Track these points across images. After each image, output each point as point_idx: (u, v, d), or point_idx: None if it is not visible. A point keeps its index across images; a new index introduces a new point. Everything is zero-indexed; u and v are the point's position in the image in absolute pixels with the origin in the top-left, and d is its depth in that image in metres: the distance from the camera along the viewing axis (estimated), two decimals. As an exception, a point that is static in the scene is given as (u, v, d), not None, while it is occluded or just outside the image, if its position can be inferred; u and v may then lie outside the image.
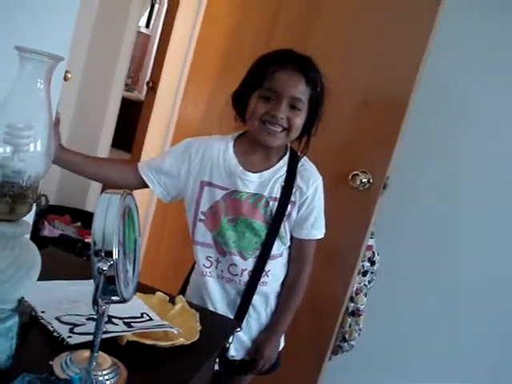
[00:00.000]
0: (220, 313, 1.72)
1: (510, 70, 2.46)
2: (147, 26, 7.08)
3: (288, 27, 2.43)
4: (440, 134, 2.54)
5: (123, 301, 1.00)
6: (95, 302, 0.97)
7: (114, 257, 0.94)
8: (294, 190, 1.71)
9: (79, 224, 3.13)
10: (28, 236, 1.11)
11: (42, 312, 1.23)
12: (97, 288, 0.95)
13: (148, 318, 1.31)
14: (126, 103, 3.81)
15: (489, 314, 2.59)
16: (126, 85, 5.78)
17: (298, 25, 2.42)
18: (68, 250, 2.64)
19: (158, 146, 3.12)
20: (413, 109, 2.19)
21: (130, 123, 4.01)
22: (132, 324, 1.25)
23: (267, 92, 1.62)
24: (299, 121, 1.64)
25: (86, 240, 2.91)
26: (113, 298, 0.98)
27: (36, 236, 2.72)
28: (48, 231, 2.88)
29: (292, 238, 1.77)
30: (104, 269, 0.92)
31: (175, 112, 2.90)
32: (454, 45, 2.42)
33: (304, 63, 1.65)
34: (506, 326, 2.61)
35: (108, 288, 0.96)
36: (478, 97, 2.47)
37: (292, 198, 1.71)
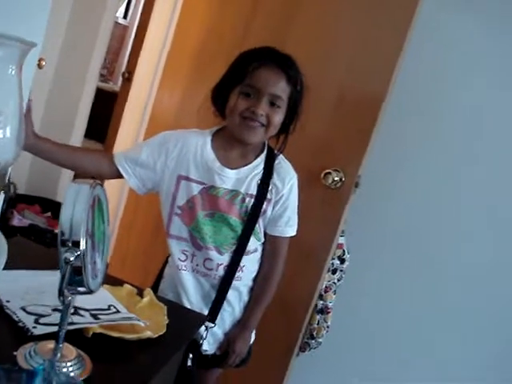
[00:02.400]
0: (195, 307, 1.74)
1: (486, 66, 2.48)
2: (125, 16, 7.02)
3: (266, 20, 2.43)
4: (413, 132, 2.54)
5: (90, 292, 0.99)
6: (61, 293, 0.96)
7: (81, 247, 0.93)
8: (270, 187, 1.72)
9: (49, 214, 3.09)
10: (-5, 224, 1.10)
11: (7, 301, 1.21)
12: (63, 278, 0.94)
13: (115, 310, 1.30)
14: (101, 94, 3.78)
15: (461, 311, 2.61)
16: (102, 75, 5.73)
17: (275, 19, 2.42)
18: (37, 240, 2.62)
19: (131, 137, 3.10)
20: (387, 107, 2.20)
21: (105, 114, 3.97)
22: (99, 316, 1.24)
23: (248, 88, 1.62)
24: (278, 118, 1.65)
25: (56, 231, 2.88)
26: (79, 288, 0.97)
27: (5, 225, 2.68)
28: (17, 221, 2.84)
29: (266, 234, 1.78)
30: (71, 259, 0.91)
31: (150, 103, 2.88)
32: (430, 43, 2.43)
33: (285, 62, 1.65)
34: (478, 322, 2.63)
35: (75, 279, 0.95)
36: (453, 95, 2.48)
37: (268, 196, 1.72)
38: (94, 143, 4.46)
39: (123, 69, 5.62)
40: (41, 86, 2.94)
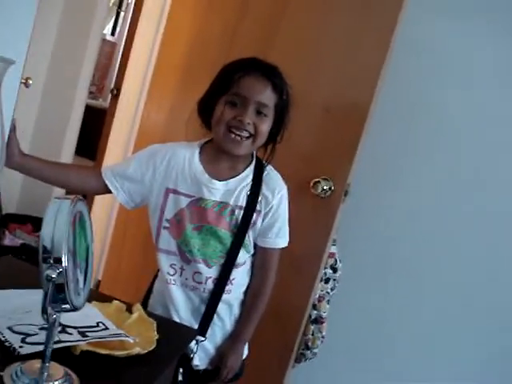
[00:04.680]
0: (184, 321, 1.72)
1: (472, 72, 2.49)
2: (113, 33, 7.02)
3: (250, 35, 2.43)
4: (401, 139, 2.56)
5: (74, 309, 0.98)
6: (44, 311, 0.95)
7: (63, 264, 0.92)
8: (259, 198, 1.71)
9: (41, 233, 3.08)
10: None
11: (-6, 322, 1.20)
12: (45, 296, 0.93)
13: (104, 327, 1.29)
14: (90, 111, 3.77)
15: (454, 315, 2.61)
16: (91, 92, 5.72)
17: (260, 32, 2.42)
18: (29, 259, 2.60)
19: (119, 153, 3.10)
20: (375, 114, 2.21)
21: (95, 131, 3.97)
22: (87, 333, 1.22)
23: (234, 97, 1.62)
24: (265, 127, 1.64)
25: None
26: (63, 306, 0.96)
27: (-4, 245, 2.67)
28: (9, 240, 2.83)
29: (256, 246, 1.77)
30: (53, 276, 0.90)
31: (137, 119, 2.88)
32: (415, 50, 2.45)
33: (270, 71, 1.65)
34: (474, 326, 2.63)
35: (58, 296, 0.94)
36: (442, 100, 2.49)
37: (257, 207, 1.71)
38: (85, 160, 4.45)
39: (112, 85, 5.62)
40: (29, 105, 2.94)
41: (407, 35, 2.24)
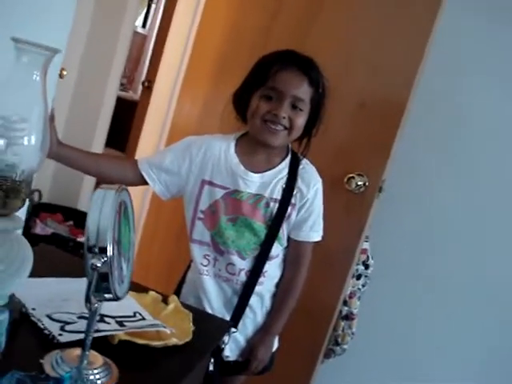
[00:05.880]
0: (216, 312, 1.73)
1: (509, 74, 2.46)
2: (143, 25, 7.05)
3: (286, 28, 2.43)
4: (437, 137, 2.53)
5: (116, 299, 0.98)
6: (88, 299, 0.95)
7: (108, 253, 0.92)
8: (294, 191, 1.70)
9: (71, 223, 3.10)
10: (20, 231, 1.09)
11: (33, 309, 1.21)
12: (90, 285, 0.93)
13: (141, 317, 1.29)
14: (121, 103, 3.80)
15: (484, 317, 2.58)
16: (122, 84, 5.74)
17: (296, 25, 2.41)
18: (60, 248, 2.62)
19: (152, 146, 3.11)
20: (411, 111, 2.19)
21: (125, 123, 4.00)
22: (124, 323, 1.23)
23: (270, 91, 1.61)
24: (301, 121, 1.64)
25: (78, 239, 2.89)
26: (106, 295, 0.96)
27: (27, 234, 2.69)
28: (40, 229, 2.86)
29: (289, 239, 1.76)
30: (98, 265, 0.90)
31: (170, 112, 2.88)
32: (453, 48, 2.42)
33: (307, 64, 1.64)
34: (501, 328, 2.61)
35: (101, 285, 0.94)
36: (476, 100, 2.46)
37: (292, 200, 1.71)
38: (115, 152, 4.48)
39: (143, 78, 5.64)
40: (62, 96, 2.96)
41: (447, 29, 2.21)
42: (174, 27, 3.13)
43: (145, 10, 6.98)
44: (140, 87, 5.04)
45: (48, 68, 1.02)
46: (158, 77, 3.25)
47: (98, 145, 3.35)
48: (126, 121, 3.98)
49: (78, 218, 3.11)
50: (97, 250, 0.91)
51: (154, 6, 7.07)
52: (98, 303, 0.98)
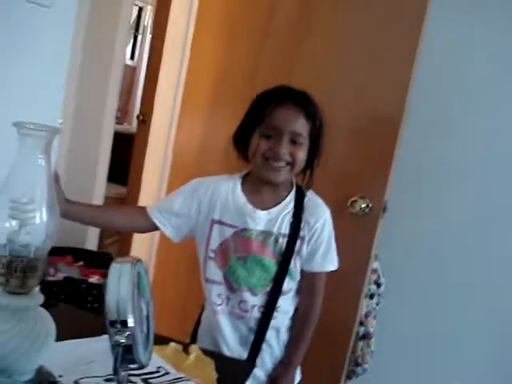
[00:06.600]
0: (233, 350, 1.75)
1: (504, 86, 2.47)
2: (132, 57, 7.08)
3: (274, 50, 2.45)
4: (436, 151, 2.54)
5: (142, 367, 1.00)
6: (116, 372, 0.97)
7: (129, 325, 0.94)
8: (302, 224, 1.72)
9: (82, 263, 3.11)
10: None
11: (60, 376, 1.22)
12: (116, 359, 0.95)
13: (164, 371, 1.31)
14: (116, 136, 3.81)
15: (497, 330, 2.59)
16: (116, 118, 5.76)
17: (284, 48, 2.44)
18: (73, 292, 2.65)
19: (155, 179, 3.12)
20: (407, 129, 2.20)
21: (123, 156, 4.00)
22: (149, 380, 1.25)
23: (268, 129, 1.64)
24: (302, 154, 1.66)
25: (90, 280, 2.90)
26: (131, 366, 0.98)
27: (41, 282, 2.71)
28: (52, 275, 2.86)
29: (302, 272, 1.78)
30: (122, 341, 0.92)
31: (170, 144, 2.91)
32: (444, 64, 2.44)
33: (302, 98, 1.67)
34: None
35: (126, 357, 0.96)
36: (471, 113, 2.48)
37: (301, 233, 1.72)
38: (117, 186, 4.49)
39: (136, 109, 5.65)
40: (60, 138, 2.97)
41: (431, 46, 2.23)
42: (165, 60, 3.16)
43: (131, 42, 7.00)
44: (135, 119, 5.04)
45: (51, 147, 1.04)
46: (154, 110, 3.28)
47: (100, 181, 3.37)
48: (123, 154, 3.98)
49: (88, 258, 3.12)
50: (119, 325, 0.93)
51: (140, 36, 7.11)
52: (124, 372, 0.99)
